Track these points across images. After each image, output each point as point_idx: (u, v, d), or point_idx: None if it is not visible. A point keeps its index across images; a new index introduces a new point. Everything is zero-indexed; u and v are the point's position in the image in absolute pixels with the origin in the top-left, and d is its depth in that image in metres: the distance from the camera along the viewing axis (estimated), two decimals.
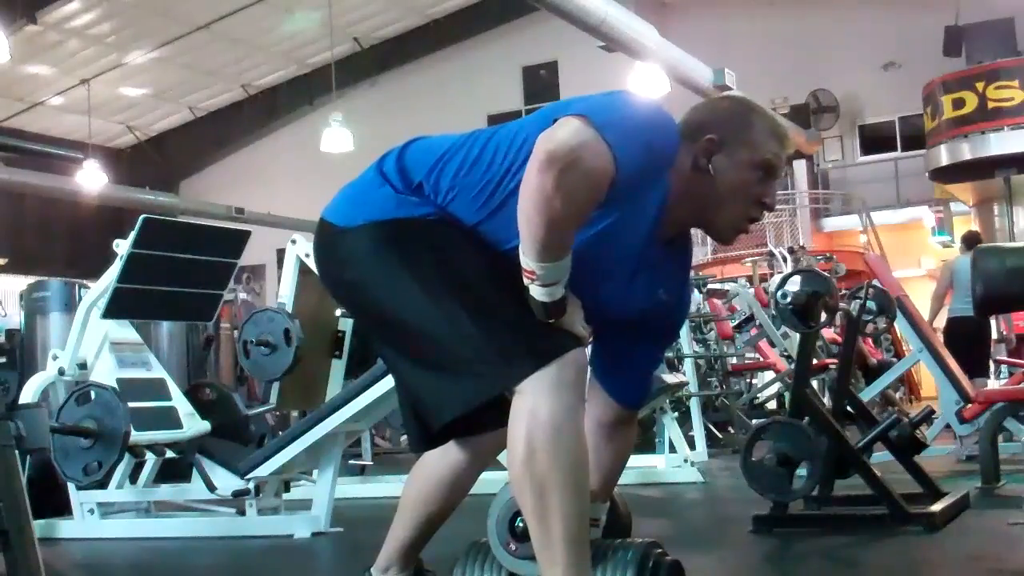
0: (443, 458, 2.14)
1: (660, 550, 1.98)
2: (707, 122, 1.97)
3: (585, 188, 1.74)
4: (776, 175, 2.00)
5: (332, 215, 2.02)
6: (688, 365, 7.20)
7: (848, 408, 4.18)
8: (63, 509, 4.44)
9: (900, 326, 5.38)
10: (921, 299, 7.36)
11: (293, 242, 4.89)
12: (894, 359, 10.19)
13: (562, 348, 1.80)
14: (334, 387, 5.19)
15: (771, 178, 1.99)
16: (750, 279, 11.85)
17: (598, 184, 1.75)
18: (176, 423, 4.39)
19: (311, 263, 4.70)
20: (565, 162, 1.70)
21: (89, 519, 4.37)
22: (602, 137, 1.73)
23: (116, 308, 4.38)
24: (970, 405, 5.08)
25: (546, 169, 1.71)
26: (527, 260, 1.78)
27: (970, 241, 8.71)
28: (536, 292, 1.80)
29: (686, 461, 5.68)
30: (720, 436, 8.42)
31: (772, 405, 9.57)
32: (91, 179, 16.62)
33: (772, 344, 9.09)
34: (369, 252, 1.93)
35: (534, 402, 1.76)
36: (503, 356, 1.81)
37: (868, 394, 6.30)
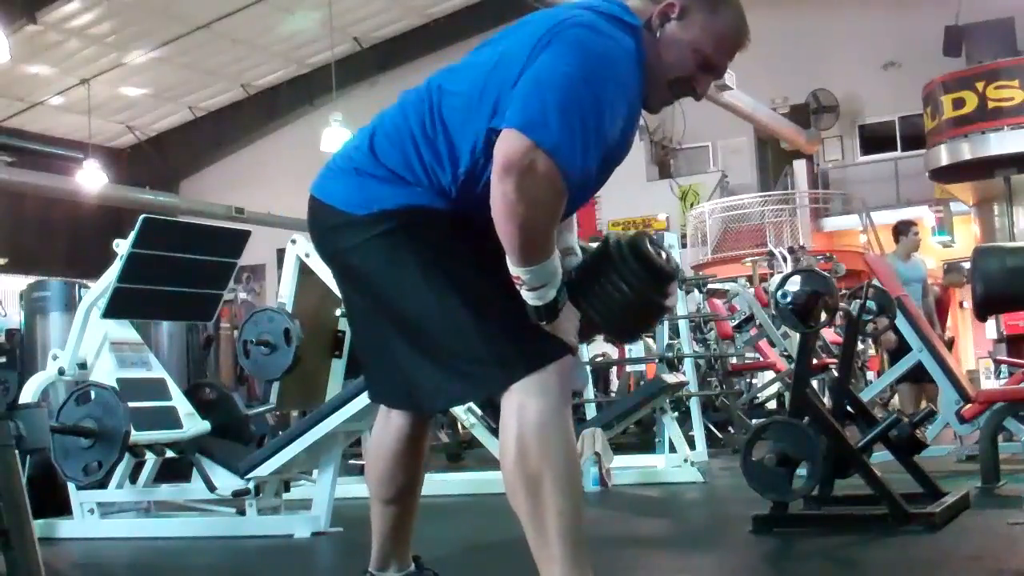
0: (387, 433, 2.17)
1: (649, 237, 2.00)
2: None
3: (546, 188, 1.76)
4: (713, 74, 2.00)
5: (333, 199, 2.01)
6: (688, 365, 7.20)
7: (848, 408, 4.18)
8: (63, 509, 4.45)
9: (900, 326, 5.36)
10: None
11: (293, 242, 4.88)
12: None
13: (553, 355, 1.84)
14: (334, 387, 5.19)
15: (708, 73, 1.99)
16: (750, 279, 11.84)
17: (558, 180, 1.77)
18: (176, 423, 4.39)
19: (311, 263, 4.70)
20: (521, 167, 1.74)
21: (89, 519, 4.37)
22: (545, 151, 1.75)
23: (116, 308, 4.38)
24: (970, 405, 5.07)
25: (504, 178, 1.75)
26: (511, 267, 1.82)
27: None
28: (526, 296, 1.83)
29: (686, 461, 5.68)
30: (720, 436, 8.42)
31: (772, 405, 9.58)
32: (91, 179, 16.63)
33: (772, 344, 9.09)
34: (376, 243, 1.94)
35: (522, 403, 1.81)
36: (497, 359, 1.85)
37: (868, 394, 6.30)
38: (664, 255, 1.97)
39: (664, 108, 2.08)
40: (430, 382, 1.95)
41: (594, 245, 2.11)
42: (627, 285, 1.91)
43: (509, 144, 1.76)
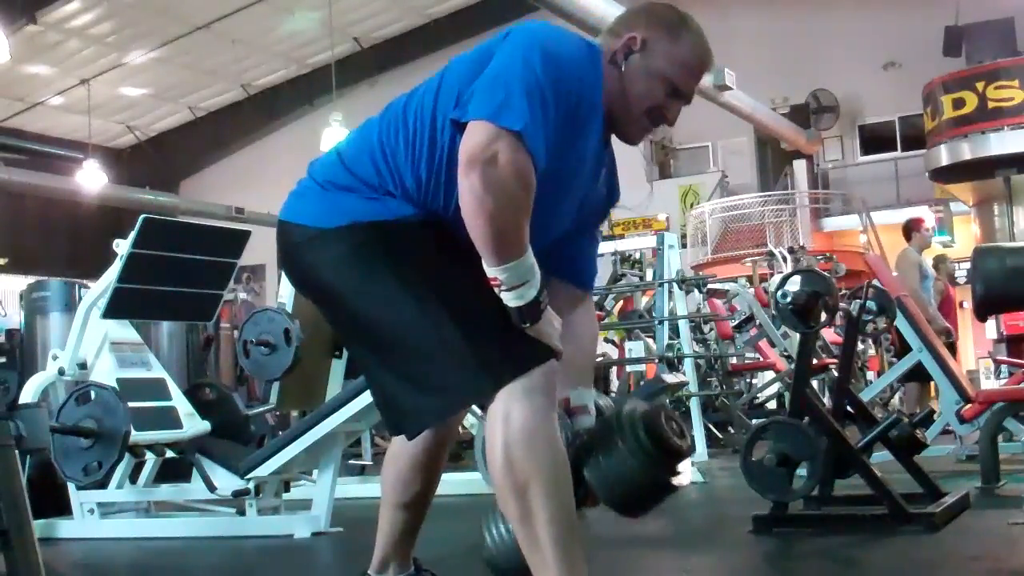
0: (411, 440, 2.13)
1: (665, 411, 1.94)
2: (637, 21, 1.98)
3: (512, 178, 1.74)
4: (682, 99, 2.01)
5: (300, 217, 1.97)
6: (688, 365, 7.20)
7: (848, 408, 4.18)
8: (63, 509, 4.45)
9: (900, 326, 5.36)
10: None
11: None
12: (895, 359, 10.19)
13: (539, 359, 1.81)
14: (334, 387, 5.19)
15: (677, 99, 2.00)
16: (750, 279, 11.84)
17: (524, 170, 1.75)
18: (176, 423, 4.39)
19: None
20: (484, 159, 1.73)
21: (89, 519, 4.37)
22: (508, 131, 1.74)
23: (116, 308, 4.38)
24: (970, 405, 5.07)
25: (469, 171, 1.74)
26: (487, 268, 1.79)
27: None
28: (506, 297, 1.80)
29: None
30: (720, 436, 8.42)
31: (772, 405, 9.58)
32: (91, 179, 16.65)
33: (772, 344, 9.09)
34: (348, 256, 1.90)
35: (506, 408, 1.78)
36: (480, 367, 1.81)
37: (868, 394, 6.30)
38: (678, 429, 1.90)
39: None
40: (410, 401, 1.88)
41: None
42: (634, 460, 1.84)
43: (472, 136, 1.75)
